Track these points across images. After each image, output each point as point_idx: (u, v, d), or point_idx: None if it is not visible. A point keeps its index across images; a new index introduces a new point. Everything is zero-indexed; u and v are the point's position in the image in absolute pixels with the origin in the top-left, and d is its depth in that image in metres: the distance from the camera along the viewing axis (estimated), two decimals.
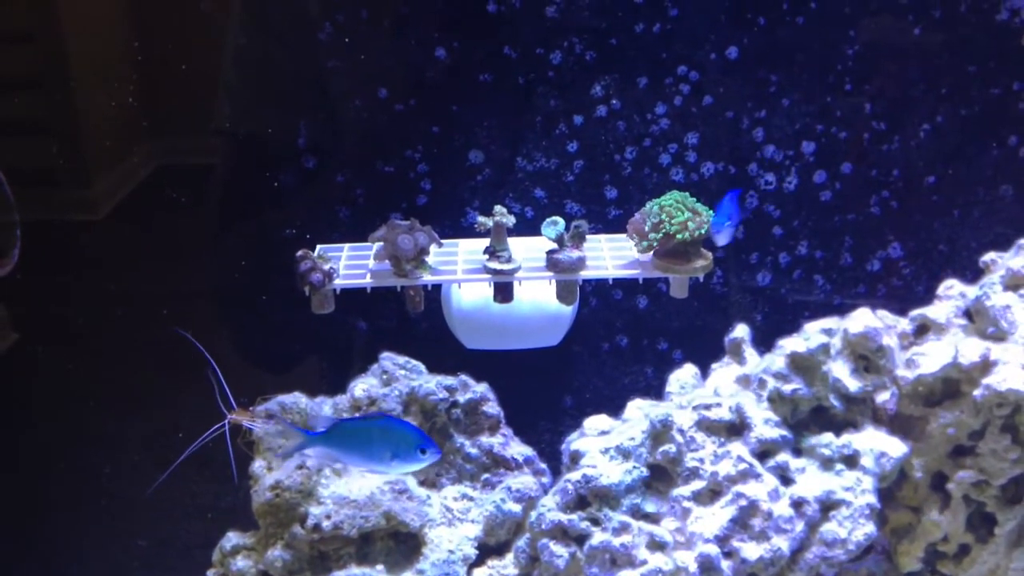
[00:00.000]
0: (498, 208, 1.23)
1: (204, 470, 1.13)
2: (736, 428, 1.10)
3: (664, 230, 1.14)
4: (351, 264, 1.28)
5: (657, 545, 1.06)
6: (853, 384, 1.10)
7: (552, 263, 1.25)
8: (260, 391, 1.19)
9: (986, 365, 1.07)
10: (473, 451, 1.19)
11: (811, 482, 1.08)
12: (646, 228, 1.17)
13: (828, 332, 1.11)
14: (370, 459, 1.04)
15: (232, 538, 1.14)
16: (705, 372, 1.19)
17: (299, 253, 1.25)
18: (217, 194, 1.56)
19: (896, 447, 1.09)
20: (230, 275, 1.54)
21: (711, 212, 1.17)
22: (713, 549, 1.05)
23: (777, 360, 1.11)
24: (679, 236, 1.14)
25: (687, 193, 1.18)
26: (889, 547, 1.16)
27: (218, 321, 1.56)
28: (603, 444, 1.12)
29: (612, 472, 1.09)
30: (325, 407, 1.18)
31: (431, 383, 1.18)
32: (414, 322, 1.40)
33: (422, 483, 1.18)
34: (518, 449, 1.21)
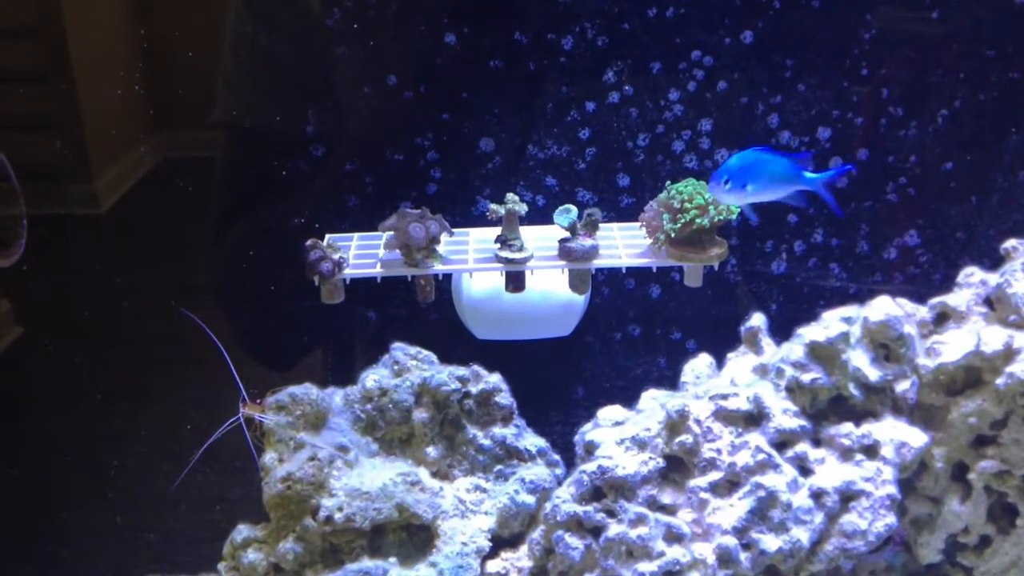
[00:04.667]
0: (510, 196, 1.21)
1: (213, 462, 1.12)
2: (754, 418, 1.09)
3: (683, 219, 1.12)
4: (361, 254, 1.27)
5: (675, 537, 1.05)
6: (873, 373, 1.08)
7: (564, 252, 1.24)
8: (270, 382, 1.17)
9: (1009, 353, 1.05)
10: (486, 442, 1.17)
11: (830, 473, 1.06)
12: (663, 219, 1.15)
13: (848, 320, 1.09)
14: None
15: (243, 531, 1.12)
16: (720, 362, 1.17)
17: (308, 242, 1.23)
18: (223, 184, 1.54)
19: (917, 437, 1.08)
20: (238, 266, 1.53)
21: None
22: (731, 541, 1.03)
23: (796, 349, 1.09)
24: (699, 221, 1.12)
25: (703, 182, 1.16)
26: (908, 538, 1.15)
27: (226, 313, 1.55)
28: (618, 435, 1.11)
29: (628, 463, 1.08)
30: (336, 397, 1.17)
31: (443, 374, 1.16)
32: (425, 312, 1.38)
33: (435, 475, 1.16)
34: (531, 440, 1.20)
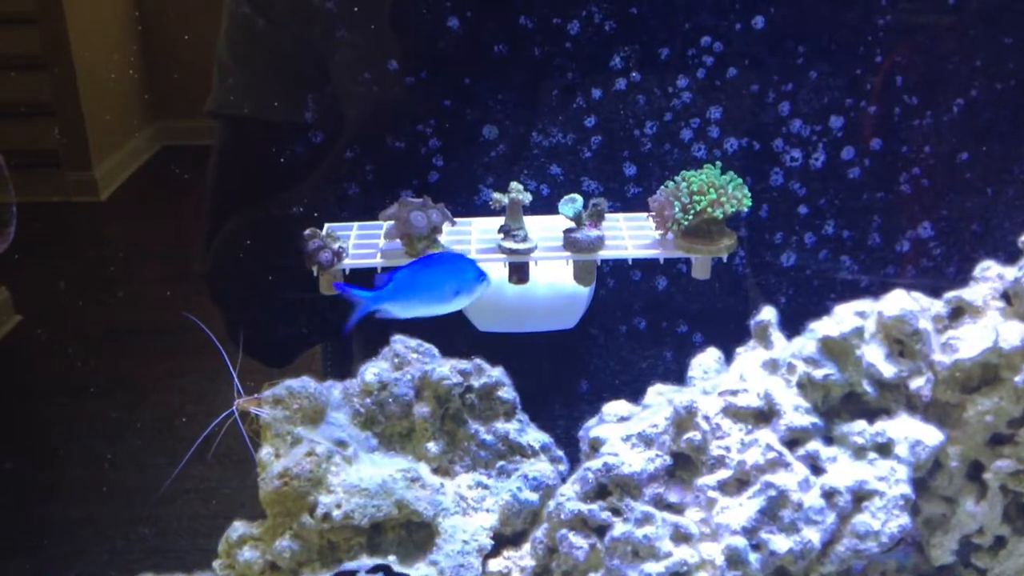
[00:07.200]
0: (514, 185, 1.18)
1: (208, 457, 1.09)
2: (764, 415, 1.06)
3: (693, 210, 1.09)
4: (361, 243, 1.24)
5: (682, 536, 1.02)
6: (888, 369, 1.05)
7: (570, 242, 1.21)
8: (268, 374, 1.15)
9: None
10: (488, 438, 1.14)
11: (843, 471, 1.04)
12: (674, 209, 1.11)
13: (861, 315, 1.06)
14: (437, 301, 1.03)
15: (239, 528, 1.10)
16: (728, 357, 1.14)
17: (307, 232, 1.21)
18: (220, 172, 1.51)
19: (931, 435, 1.05)
20: (234, 256, 1.50)
21: (746, 191, 1.11)
22: (741, 541, 1.00)
23: (808, 344, 1.06)
24: (709, 211, 1.09)
25: (718, 171, 1.13)
26: (921, 539, 1.12)
27: (222, 303, 1.52)
28: (624, 431, 1.08)
29: (634, 460, 1.05)
30: (335, 391, 1.14)
31: (445, 367, 1.14)
32: None
33: (435, 471, 1.13)
34: (534, 436, 1.17)
